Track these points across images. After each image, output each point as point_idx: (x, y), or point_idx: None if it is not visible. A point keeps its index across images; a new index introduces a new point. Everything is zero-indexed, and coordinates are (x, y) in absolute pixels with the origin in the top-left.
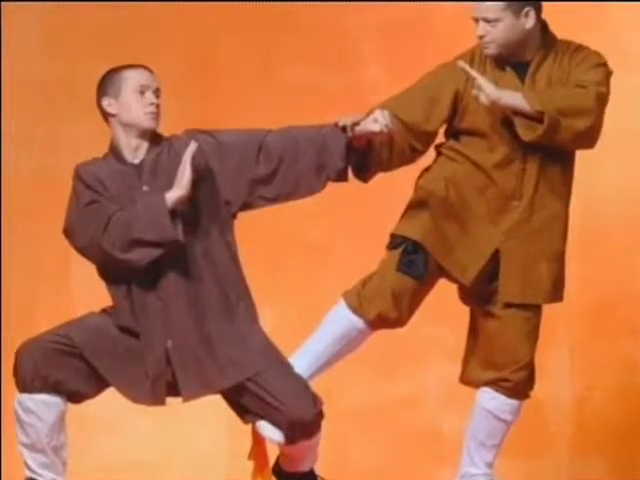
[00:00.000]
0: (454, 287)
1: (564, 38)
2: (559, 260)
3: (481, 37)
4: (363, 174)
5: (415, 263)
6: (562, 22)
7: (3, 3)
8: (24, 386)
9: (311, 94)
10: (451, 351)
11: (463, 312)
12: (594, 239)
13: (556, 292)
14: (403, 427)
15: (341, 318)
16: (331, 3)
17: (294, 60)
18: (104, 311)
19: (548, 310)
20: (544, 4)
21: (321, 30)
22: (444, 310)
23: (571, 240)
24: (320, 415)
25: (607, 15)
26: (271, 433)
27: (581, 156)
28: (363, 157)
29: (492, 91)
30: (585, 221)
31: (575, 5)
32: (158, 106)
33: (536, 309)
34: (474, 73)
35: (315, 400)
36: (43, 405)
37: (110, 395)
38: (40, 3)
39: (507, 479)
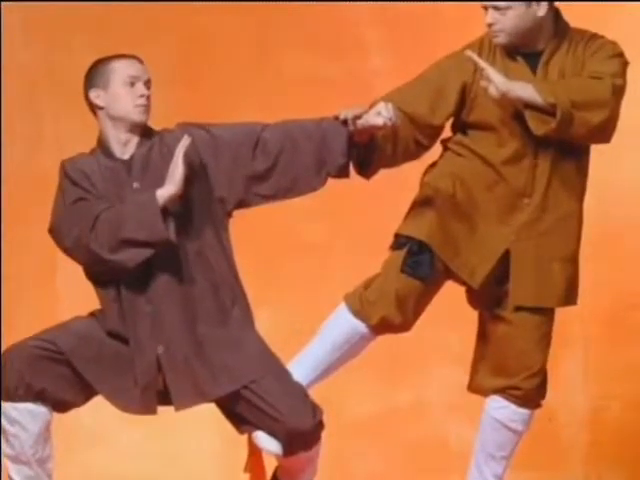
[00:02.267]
0: (461, 289)
1: (578, 27)
2: (573, 261)
3: (490, 25)
4: (365, 170)
5: (420, 264)
6: (576, 11)
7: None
8: (7, 395)
9: (310, 84)
10: (458, 357)
11: (471, 316)
12: (610, 239)
13: (570, 295)
14: (407, 437)
15: (342, 322)
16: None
17: (292, 48)
18: (92, 315)
19: (561, 314)
20: None
21: (321, 16)
22: (450, 314)
23: (586, 240)
24: (320, 425)
25: (623, 5)
26: (268, 444)
27: (596, 151)
28: (365, 152)
29: (502, 82)
30: (600, 220)
31: None
32: (149, 98)
33: (549, 313)
34: (483, 63)
35: (314, 409)
36: (27, 415)
37: (98, 404)
38: None
39: None
